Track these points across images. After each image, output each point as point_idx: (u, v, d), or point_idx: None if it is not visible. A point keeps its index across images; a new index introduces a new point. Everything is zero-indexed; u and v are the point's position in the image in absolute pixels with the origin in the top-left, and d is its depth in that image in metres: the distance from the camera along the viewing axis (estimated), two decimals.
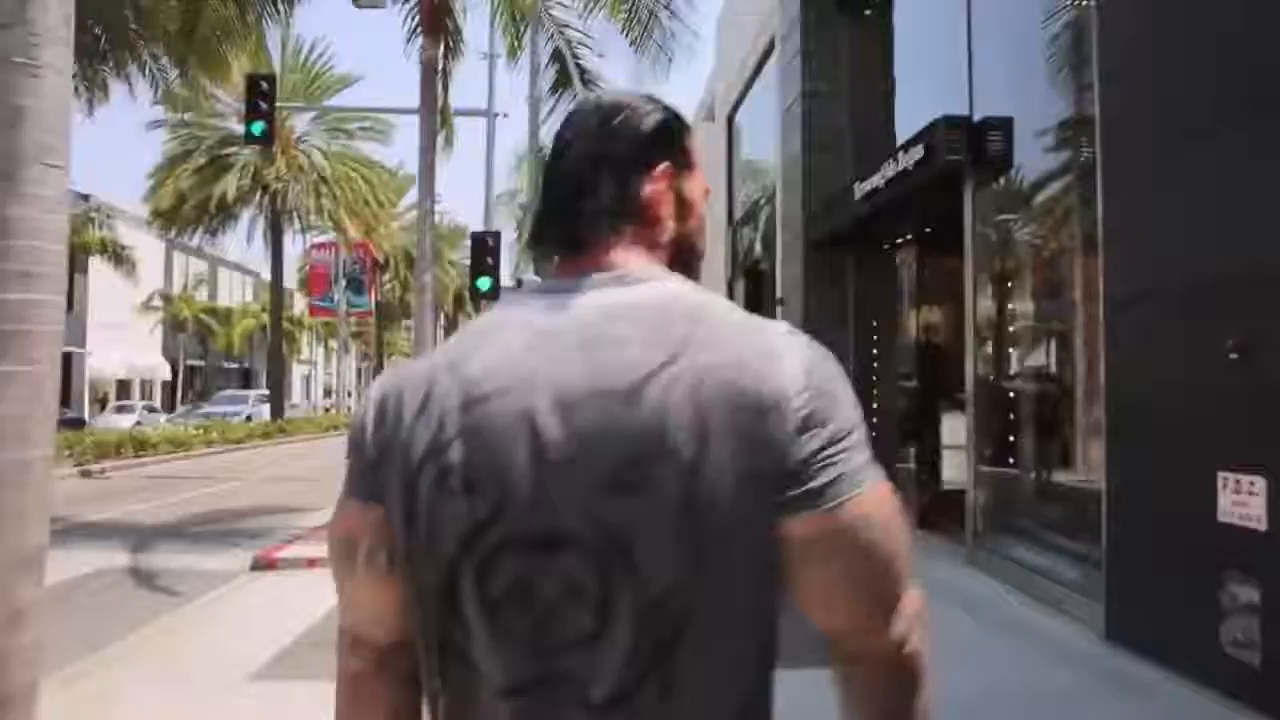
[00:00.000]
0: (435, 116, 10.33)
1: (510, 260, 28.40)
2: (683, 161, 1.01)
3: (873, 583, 0.87)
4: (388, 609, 0.93)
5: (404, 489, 0.87)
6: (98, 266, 33.33)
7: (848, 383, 0.90)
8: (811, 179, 11.47)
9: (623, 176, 0.97)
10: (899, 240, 10.48)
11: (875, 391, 11.35)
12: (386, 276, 45.34)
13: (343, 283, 38.78)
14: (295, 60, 28.35)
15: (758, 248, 15.11)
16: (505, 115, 14.35)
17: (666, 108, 1.03)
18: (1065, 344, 6.47)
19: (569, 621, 0.82)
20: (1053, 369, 6.58)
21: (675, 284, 0.93)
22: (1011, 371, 7.21)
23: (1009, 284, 7.33)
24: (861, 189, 9.25)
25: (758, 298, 15.90)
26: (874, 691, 0.92)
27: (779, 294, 12.58)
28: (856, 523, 0.84)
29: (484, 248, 15.85)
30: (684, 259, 1.00)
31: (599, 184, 0.97)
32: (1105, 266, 5.13)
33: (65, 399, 33.10)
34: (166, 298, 44.46)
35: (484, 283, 14.22)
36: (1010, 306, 7.24)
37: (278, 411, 30.49)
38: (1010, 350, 7.27)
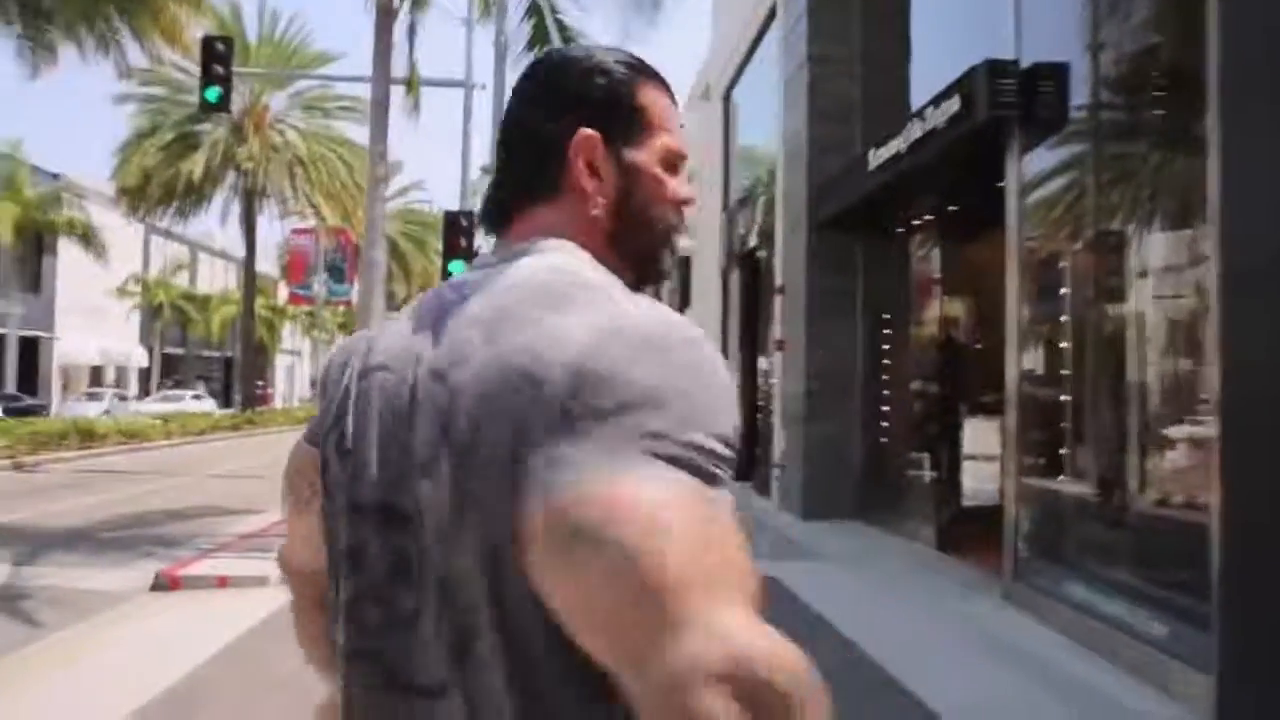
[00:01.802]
0: (387, 62, 9.03)
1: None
2: (628, 122, 0.89)
3: (604, 607, 0.63)
4: (300, 541, 0.99)
5: (322, 443, 0.89)
6: (69, 249, 31.97)
7: (651, 366, 0.69)
8: (817, 153, 10.23)
9: (537, 145, 0.89)
10: (915, 221, 9.24)
11: (885, 393, 10.14)
12: None
13: (323, 270, 37.64)
14: (270, 33, 27.00)
15: (755, 234, 13.86)
16: (484, 86, 13.13)
17: (606, 60, 0.91)
18: (1142, 336, 5.23)
19: (388, 600, 0.79)
20: (1125, 366, 5.33)
21: (558, 259, 0.83)
22: (1064, 370, 5.96)
23: (1061, 264, 6.06)
24: (878, 157, 8.01)
25: (755, 288, 14.65)
26: None
27: (779, 282, 11.33)
28: (576, 521, 0.64)
29: (457, 228, 14.61)
30: (631, 233, 0.89)
31: (514, 154, 0.91)
32: (1223, 235, 3.89)
33: (31, 385, 31.75)
34: (143, 283, 43.08)
35: (456, 266, 13.10)
36: (1063, 291, 5.98)
37: (249, 402, 29.18)
38: (1063, 344, 6.01)
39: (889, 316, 10.06)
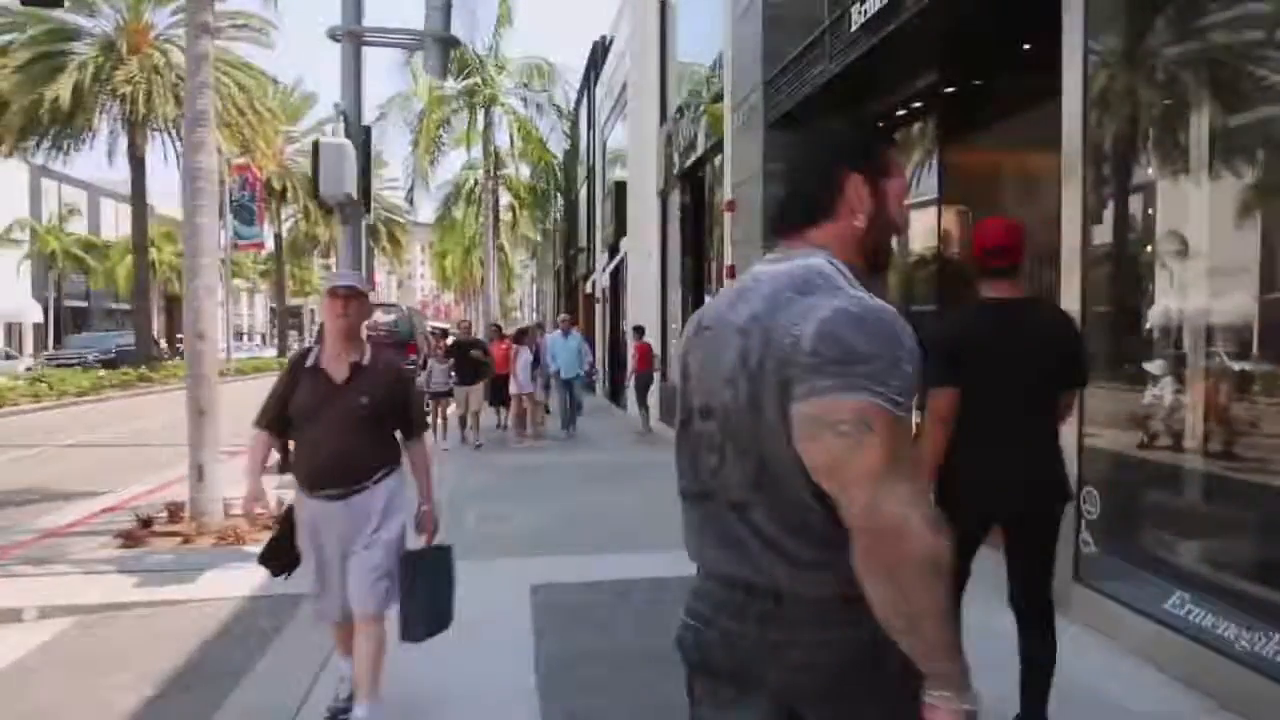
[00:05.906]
0: None
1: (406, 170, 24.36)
2: (878, 167, 1.51)
3: (822, 468, 1.32)
4: None
5: (679, 370, 1.61)
6: None
7: (859, 336, 1.31)
8: (774, 32, 8.20)
9: (824, 182, 1.50)
10: (900, 111, 7.30)
11: None
12: (289, 210, 40.88)
13: (229, 211, 34.46)
14: None
15: (699, 146, 11.82)
16: None
17: (868, 132, 1.63)
18: None
19: (708, 456, 1.48)
20: None
21: (815, 262, 1.45)
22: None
23: (1173, 149, 4.15)
24: (863, 12, 6.01)
25: (697, 209, 12.66)
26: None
27: (728, 195, 9.35)
28: (807, 419, 1.32)
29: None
30: (874, 236, 1.51)
31: (803, 186, 1.52)
32: None
33: None
34: (30, 229, 39.57)
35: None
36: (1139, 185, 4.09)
37: (143, 357, 26.49)
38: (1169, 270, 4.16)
39: None
